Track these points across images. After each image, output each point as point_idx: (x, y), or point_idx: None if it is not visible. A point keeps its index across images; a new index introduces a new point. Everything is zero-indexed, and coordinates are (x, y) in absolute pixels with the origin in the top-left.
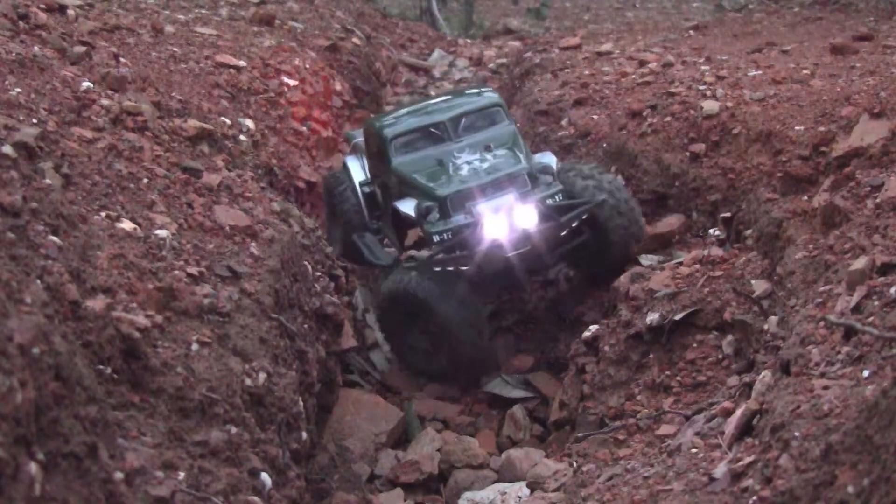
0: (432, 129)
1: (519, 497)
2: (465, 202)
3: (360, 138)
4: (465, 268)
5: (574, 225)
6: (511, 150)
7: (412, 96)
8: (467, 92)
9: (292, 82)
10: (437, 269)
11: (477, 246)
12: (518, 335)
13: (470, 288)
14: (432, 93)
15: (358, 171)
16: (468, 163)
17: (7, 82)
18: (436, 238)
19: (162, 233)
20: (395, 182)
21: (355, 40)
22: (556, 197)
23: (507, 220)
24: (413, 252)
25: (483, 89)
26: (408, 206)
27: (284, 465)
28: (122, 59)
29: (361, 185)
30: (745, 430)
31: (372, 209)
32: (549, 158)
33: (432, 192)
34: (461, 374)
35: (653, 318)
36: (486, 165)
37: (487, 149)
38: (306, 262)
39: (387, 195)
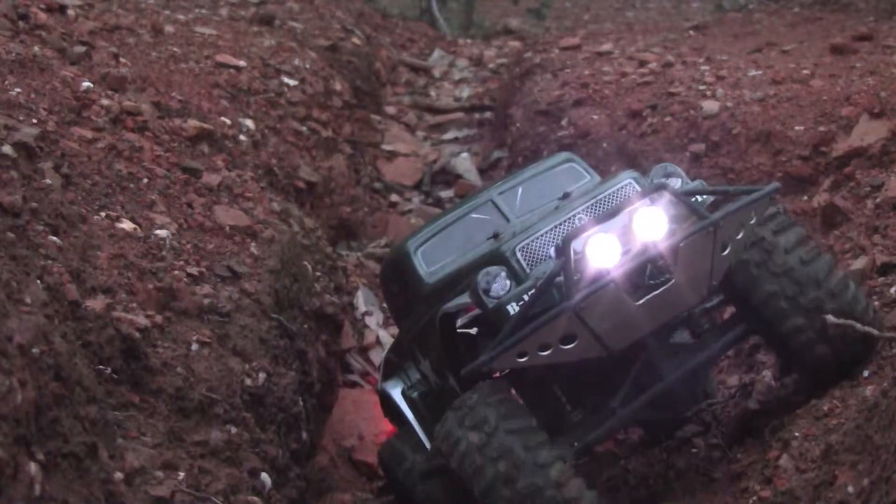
0: (476, 216)
1: None
2: (548, 248)
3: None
4: (566, 359)
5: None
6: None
7: (412, 95)
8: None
9: (292, 82)
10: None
11: (575, 293)
12: None
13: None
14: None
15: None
16: (538, 212)
17: (7, 82)
18: (511, 309)
19: (162, 233)
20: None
21: (355, 40)
22: (699, 196)
23: (620, 238)
24: None
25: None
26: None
27: (284, 465)
28: (122, 59)
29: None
30: (745, 430)
31: None
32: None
33: (492, 253)
34: None
35: None
36: (572, 202)
37: (566, 198)
38: (306, 262)
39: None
